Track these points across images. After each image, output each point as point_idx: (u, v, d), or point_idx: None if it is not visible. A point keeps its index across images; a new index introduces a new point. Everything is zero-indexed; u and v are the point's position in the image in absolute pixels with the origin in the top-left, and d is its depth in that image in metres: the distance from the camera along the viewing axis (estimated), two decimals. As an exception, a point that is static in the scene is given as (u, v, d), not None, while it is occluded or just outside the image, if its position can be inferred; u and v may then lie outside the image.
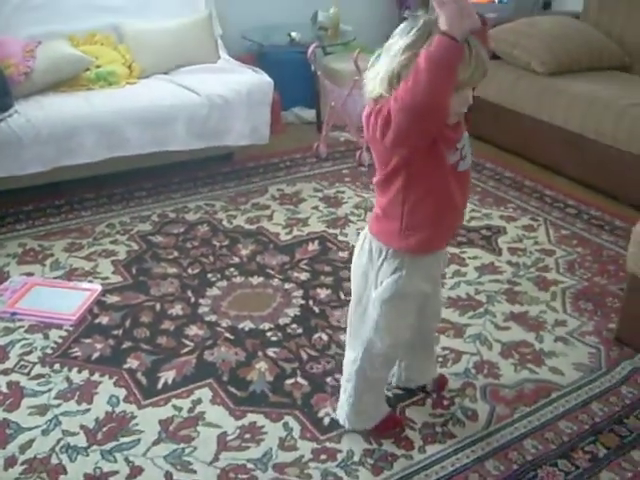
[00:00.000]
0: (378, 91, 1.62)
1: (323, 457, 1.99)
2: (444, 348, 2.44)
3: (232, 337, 2.48)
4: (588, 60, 4.17)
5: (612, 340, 2.52)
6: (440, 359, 2.38)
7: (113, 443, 2.02)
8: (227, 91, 3.57)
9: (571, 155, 3.86)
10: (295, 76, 4.44)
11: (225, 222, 3.31)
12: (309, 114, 4.69)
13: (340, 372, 2.26)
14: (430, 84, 1.48)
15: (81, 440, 2.03)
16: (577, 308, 2.72)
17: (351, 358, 2.01)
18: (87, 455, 1.98)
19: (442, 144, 1.69)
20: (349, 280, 2.81)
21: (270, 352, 2.41)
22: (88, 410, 2.14)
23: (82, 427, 2.07)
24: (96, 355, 2.38)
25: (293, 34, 4.40)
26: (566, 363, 2.41)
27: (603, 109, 3.64)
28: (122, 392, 2.21)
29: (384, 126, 1.58)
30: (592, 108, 3.69)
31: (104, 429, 2.07)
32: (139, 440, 2.03)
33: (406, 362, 2.19)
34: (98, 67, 3.61)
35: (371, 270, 1.87)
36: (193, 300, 2.69)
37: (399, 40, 1.59)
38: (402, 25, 1.63)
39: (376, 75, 1.62)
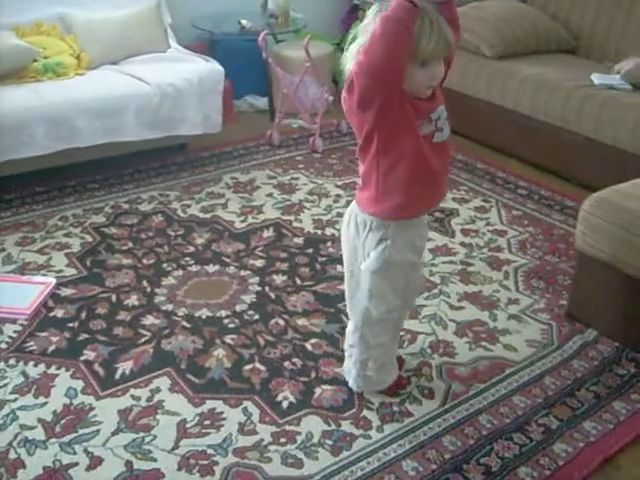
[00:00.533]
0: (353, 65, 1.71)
1: (283, 440, 2.00)
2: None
3: (189, 325, 2.48)
4: (536, 43, 4.24)
5: (563, 316, 2.59)
6: (396, 340, 2.42)
7: (72, 435, 2.01)
8: (178, 80, 3.54)
9: (522, 137, 3.92)
10: (246, 64, 4.43)
11: (180, 212, 3.29)
12: (261, 102, 4.68)
13: (297, 356, 2.32)
14: (385, 44, 1.59)
15: (39, 434, 2.01)
16: (529, 286, 2.77)
17: (351, 328, 2.10)
18: (46, 448, 1.96)
19: (413, 113, 1.75)
20: (305, 266, 2.86)
21: (227, 339, 2.41)
22: (45, 403, 2.12)
23: (40, 420, 2.05)
24: (52, 348, 2.35)
25: (243, 22, 4.38)
26: (519, 340, 2.46)
27: (551, 91, 3.70)
28: (80, 384, 2.20)
29: (349, 90, 1.71)
30: (541, 90, 3.76)
31: (62, 422, 2.05)
32: (98, 431, 2.03)
33: None
34: (46, 58, 3.55)
35: (358, 243, 1.95)
36: (149, 290, 2.68)
37: (371, 20, 1.69)
38: (373, 6, 1.71)
39: (353, 52, 1.72)
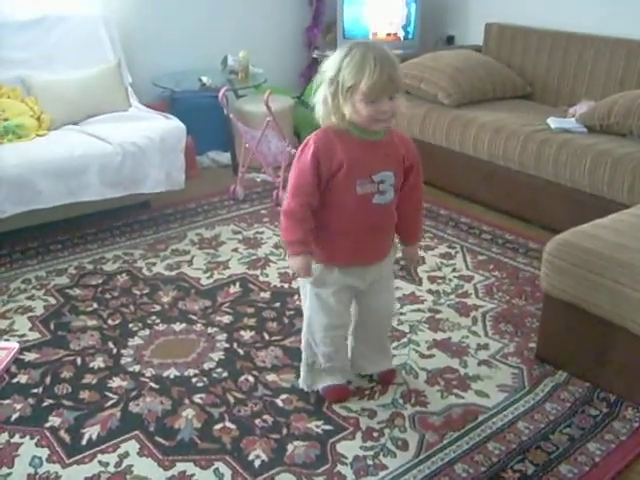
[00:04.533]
0: (319, 115, 2.01)
1: (256, 501, 1.96)
2: (370, 381, 2.45)
3: (157, 386, 2.43)
4: (492, 90, 4.34)
5: (533, 359, 2.59)
6: (367, 391, 2.40)
7: (38, 506, 1.95)
8: (139, 138, 3.54)
9: (483, 182, 3.98)
10: (208, 120, 4.45)
11: (145, 270, 3.26)
12: (224, 157, 4.70)
13: (268, 413, 2.29)
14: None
15: (3, 506, 1.95)
16: (498, 331, 2.78)
17: (302, 332, 2.32)
18: (10, 522, 1.90)
19: (355, 172, 1.99)
20: (272, 320, 2.83)
21: (196, 398, 2.37)
22: (9, 474, 2.05)
23: (3, 493, 1.99)
24: (15, 416, 2.29)
25: (204, 79, 4.42)
26: (491, 385, 2.45)
27: (509, 136, 3.77)
28: (45, 452, 2.13)
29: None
30: (499, 136, 3.82)
31: (27, 493, 1.99)
32: (65, 501, 1.97)
33: (357, 350, 2.41)
34: (6, 120, 3.54)
35: None
36: (115, 351, 2.63)
37: (327, 71, 1.97)
38: (337, 52, 1.98)
39: (317, 101, 2.00)
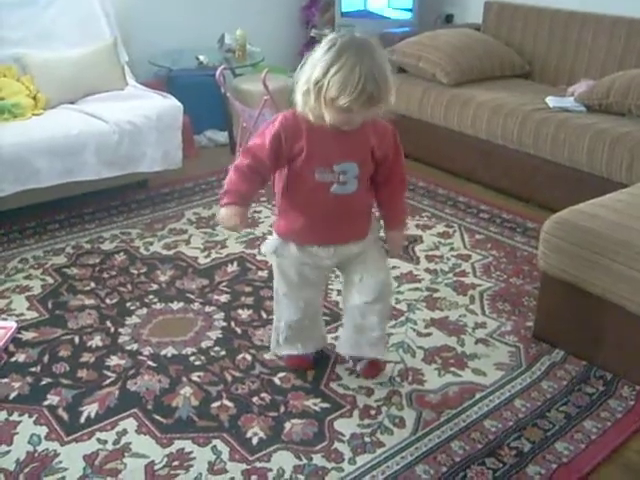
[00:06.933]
0: (297, 102, 1.93)
1: (254, 477, 1.96)
2: (351, 373, 2.42)
3: (155, 364, 2.44)
4: (491, 69, 4.32)
5: (530, 338, 2.59)
6: (365, 369, 2.41)
7: (36, 484, 1.96)
8: (136, 117, 3.53)
9: (481, 161, 3.97)
10: (205, 99, 4.43)
11: (142, 249, 3.26)
12: (222, 136, 4.69)
13: (265, 391, 2.29)
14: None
15: (2, 484, 1.96)
16: (495, 309, 2.78)
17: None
18: (9, 498, 1.91)
19: (314, 160, 1.98)
20: (270, 299, 2.83)
21: (194, 376, 2.37)
22: (8, 452, 2.06)
23: (1, 470, 1.99)
24: (14, 394, 2.29)
25: (201, 57, 4.40)
26: (488, 364, 2.46)
27: (508, 115, 3.76)
28: (43, 430, 2.14)
29: None
30: (497, 115, 3.81)
31: (26, 470, 1.99)
32: (64, 478, 1.96)
33: (342, 331, 2.42)
34: (1, 99, 3.52)
35: None
36: (113, 330, 2.64)
37: (315, 68, 1.88)
38: (330, 48, 1.88)
39: (299, 89, 1.92)
